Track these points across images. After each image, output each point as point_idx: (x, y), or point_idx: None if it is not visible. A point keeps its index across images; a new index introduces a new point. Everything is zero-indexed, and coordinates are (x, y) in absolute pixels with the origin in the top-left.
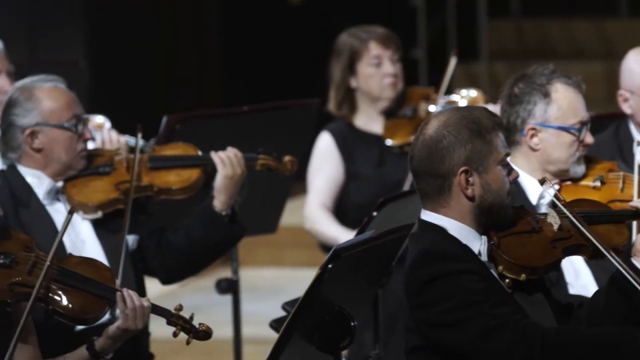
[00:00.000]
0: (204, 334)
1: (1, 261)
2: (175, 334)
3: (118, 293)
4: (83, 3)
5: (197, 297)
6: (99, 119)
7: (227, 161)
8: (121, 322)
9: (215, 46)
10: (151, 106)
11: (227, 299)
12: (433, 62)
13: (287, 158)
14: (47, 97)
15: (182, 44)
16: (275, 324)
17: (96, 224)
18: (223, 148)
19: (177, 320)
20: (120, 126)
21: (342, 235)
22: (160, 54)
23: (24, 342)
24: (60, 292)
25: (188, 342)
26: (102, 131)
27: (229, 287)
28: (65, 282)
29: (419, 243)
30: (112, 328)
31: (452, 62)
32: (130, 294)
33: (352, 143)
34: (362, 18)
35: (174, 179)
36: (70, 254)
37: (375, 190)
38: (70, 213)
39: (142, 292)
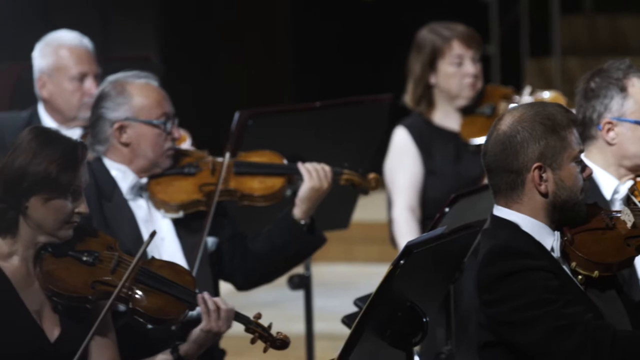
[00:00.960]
0: (281, 343)
1: (85, 259)
2: (252, 341)
3: (199, 295)
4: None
5: (270, 293)
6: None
7: (314, 173)
8: (204, 324)
9: (288, 42)
10: (223, 102)
11: (300, 294)
12: (506, 58)
13: (371, 175)
14: (138, 92)
15: (255, 40)
16: (347, 320)
17: (177, 223)
18: (295, 143)
19: (255, 327)
20: (190, 122)
21: None
22: (233, 50)
23: (104, 337)
24: (141, 293)
25: (265, 350)
26: (181, 146)
27: (301, 282)
28: (147, 283)
29: (491, 239)
30: (195, 331)
31: (527, 90)
32: (211, 297)
33: (428, 138)
34: (434, 14)
35: (257, 185)
36: (153, 257)
37: (452, 186)
38: (152, 236)
39: (217, 293)
